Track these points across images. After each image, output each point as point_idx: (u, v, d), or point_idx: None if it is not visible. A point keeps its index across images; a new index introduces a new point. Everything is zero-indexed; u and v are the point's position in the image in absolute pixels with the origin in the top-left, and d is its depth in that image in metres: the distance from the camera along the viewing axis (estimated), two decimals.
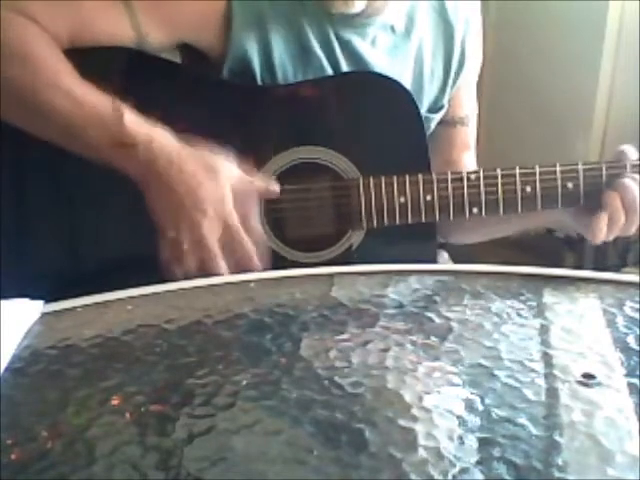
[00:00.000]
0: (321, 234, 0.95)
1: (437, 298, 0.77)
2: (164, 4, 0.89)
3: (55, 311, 0.71)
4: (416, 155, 0.96)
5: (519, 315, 0.72)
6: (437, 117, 1.08)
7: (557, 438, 0.54)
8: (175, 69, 0.94)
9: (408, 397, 0.57)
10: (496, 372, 0.61)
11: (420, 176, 0.92)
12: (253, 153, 0.91)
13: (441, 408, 0.57)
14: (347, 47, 0.96)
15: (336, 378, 0.60)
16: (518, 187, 0.92)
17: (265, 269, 0.85)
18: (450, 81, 1.06)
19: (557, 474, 0.50)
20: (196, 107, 0.92)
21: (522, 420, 0.55)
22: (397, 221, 0.92)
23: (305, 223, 0.94)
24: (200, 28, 0.91)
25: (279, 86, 0.94)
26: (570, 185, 0.92)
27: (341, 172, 0.93)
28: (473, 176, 0.92)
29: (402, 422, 0.54)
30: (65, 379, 0.61)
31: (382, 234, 0.94)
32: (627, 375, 0.62)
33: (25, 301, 0.69)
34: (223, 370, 0.61)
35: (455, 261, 1.13)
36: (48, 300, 0.71)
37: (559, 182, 0.92)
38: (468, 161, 1.11)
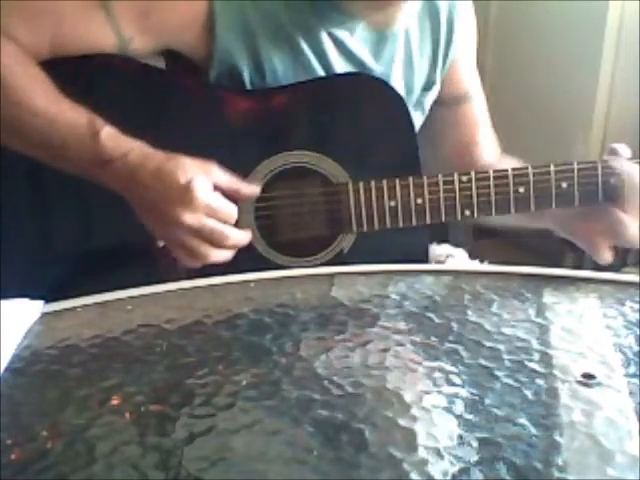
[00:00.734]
0: (312, 239, 0.94)
1: (437, 298, 0.77)
2: (145, 10, 0.88)
3: (55, 311, 0.71)
4: (406, 158, 0.96)
5: (519, 315, 0.72)
6: (431, 95, 1.07)
7: (557, 438, 0.54)
8: (160, 75, 0.94)
9: (408, 397, 0.57)
10: (496, 372, 0.61)
11: (410, 179, 0.91)
12: (242, 158, 0.91)
13: (441, 408, 0.57)
14: (335, 41, 0.96)
15: (336, 378, 0.60)
16: (511, 188, 0.91)
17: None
18: (440, 58, 1.05)
19: (557, 474, 0.50)
20: (183, 113, 0.91)
21: (522, 420, 0.55)
22: (388, 225, 0.92)
23: (295, 228, 0.94)
24: (183, 32, 0.91)
25: (267, 90, 0.93)
26: (564, 185, 0.91)
27: (331, 176, 0.93)
28: (465, 178, 0.91)
29: (402, 422, 0.54)
30: (65, 379, 0.61)
31: (373, 237, 0.94)
32: (627, 375, 0.62)
33: (25, 301, 0.69)
34: (223, 370, 0.61)
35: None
36: (48, 300, 0.71)
37: (553, 182, 0.91)
38: (483, 139, 1.10)
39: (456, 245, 1.23)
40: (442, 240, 1.23)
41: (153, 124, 0.90)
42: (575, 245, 0.98)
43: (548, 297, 0.77)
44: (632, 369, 0.63)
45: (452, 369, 0.62)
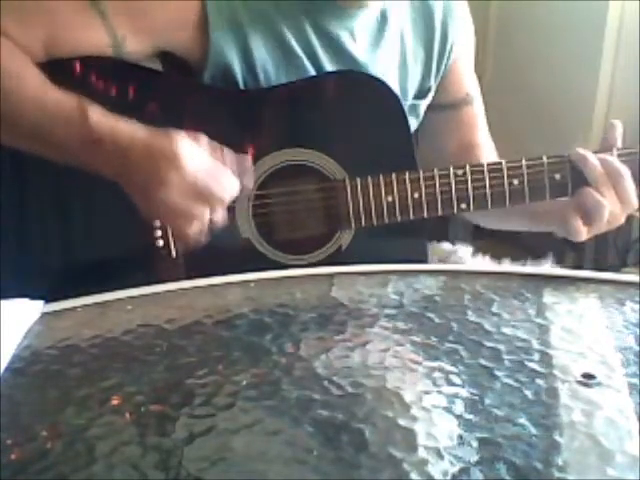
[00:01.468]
0: (310, 236, 0.94)
1: (437, 298, 0.77)
2: (139, 11, 0.88)
3: (55, 311, 0.71)
4: (402, 154, 0.96)
5: (519, 315, 0.72)
6: (425, 102, 1.07)
7: (557, 438, 0.54)
8: (156, 77, 0.94)
9: (408, 397, 0.57)
10: (496, 372, 0.61)
11: (407, 174, 0.92)
12: None
13: (441, 408, 0.57)
14: (330, 42, 0.96)
15: (336, 378, 0.60)
16: (505, 180, 0.92)
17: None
18: (434, 62, 1.05)
19: (557, 474, 0.50)
20: (180, 114, 0.91)
21: (522, 420, 0.55)
22: (386, 220, 0.92)
23: (293, 226, 0.94)
24: (177, 33, 0.90)
25: (262, 89, 0.93)
26: (558, 176, 0.92)
27: (328, 173, 0.93)
28: (460, 171, 0.92)
29: (402, 422, 0.54)
30: (65, 379, 0.61)
31: (371, 233, 0.94)
32: (627, 375, 0.62)
33: (25, 301, 0.69)
34: (223, 370, 0.61)
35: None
36: (48, 300, 0.71)
37: (546, 173, 0.92)
38: (483, 140, 1.11)
39: (455, 244, 1.24)
40: (442, 239, 1.23)
41: (148, 124, 0.90)
42: (575, 245, 0.98)
43: (548, 297, 0.77)
44: (632, 369, 0.63)
45: (452, 369, 0.62)
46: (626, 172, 0.90)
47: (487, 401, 0.57)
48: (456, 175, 0.92)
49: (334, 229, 0.95)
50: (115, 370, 0.62)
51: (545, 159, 0.92)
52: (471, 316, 0.72)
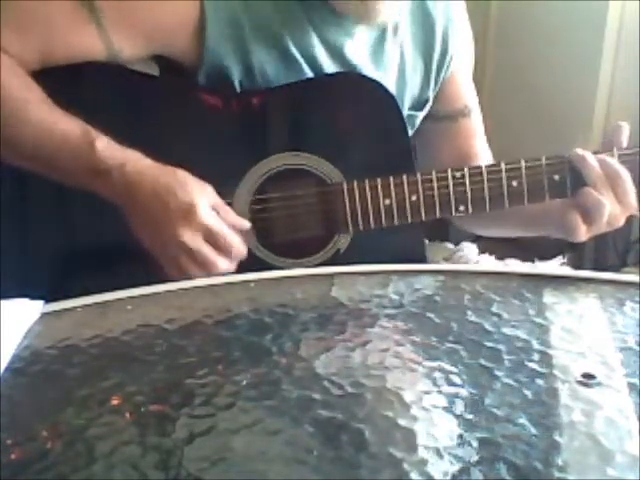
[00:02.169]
0: (308, 240, 0.94)
1: (437, 298, 0.77)
2: (134, 17, 0.88)
3: (55, 311, 0.71)
4: (400, 157, 0.96)
5: (519, 315, 0.72)
6: (422, 114, 1.07)
7: (557, 438, 0.53)
8: (151, 81, 0.94)
9: (408, 397, 0.57)
10: (496, 372, 0.61)
11: (404, 177, 0.91)
12: (236, 161, 0.91)
13: (441, 408, 0.57)
14: (330, 48, 0.96)
15: (336, 378, 0.60)
16: (504, 182, 0.92)
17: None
18: (432, 74, 1.05)
19: (557, 474, 0.50)
20: (175, 118, 0.91)
21: (522, 420, 0.55)
22: (384, 223, 0.92)
23: (292, 230, 0.94)
24: (174, 38, 0.90)
25: (259, 91, 0.93)
26: (557, 177, 0.92)
27: (325, 177, 0.93)
28: (458, 174, 0.92)
29: (402, 422, 0.54)
30: (65, 379, 0.61)
31: (369, 237, 0.94)
32: (627, 375, 0.62)
33: (25, 301, 0.69)
34: (223, 370, 0.61)
35: None
36: (48, 300, 0.71)
37: (545, 174, 0.92)
38: (481, 150, 1.11)
39: (456, 244, 1.24)
40: (443, 239, 1.23)
41: (147, 129, 0.90)
42: (575, 245, 0.98)
43: (548, 297, 0.77)
44: (632, 369, 0.63)
45: (452, 369, 0.62)
46: (625, 174, 0.90)
47: (487, 401, 0.57)
48: (454, 177, 0.92)
49: (332, 233, 0.94)
50: (115, 370, 0.62)
51: (544, 160, 0.92)
52: (471, 316, 0.72)
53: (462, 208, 0.93)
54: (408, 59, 1.03)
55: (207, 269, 0.83)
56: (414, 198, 0.91)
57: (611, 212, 0.89)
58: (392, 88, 1.01)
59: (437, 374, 0.61)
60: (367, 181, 0.91)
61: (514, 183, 0.92)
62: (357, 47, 0.98)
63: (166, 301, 0.74)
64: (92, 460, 0.50)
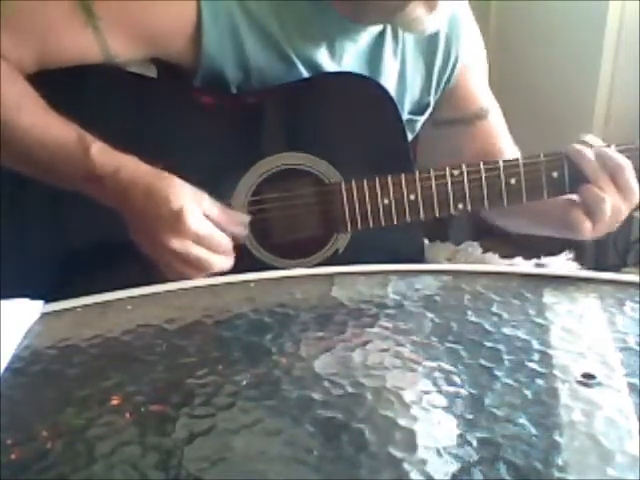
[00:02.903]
0: (306, 240, 0.94)
1: (437, 298, 0.77)
2: (131, 21, 0.88)
3: (55, 311, 0.71)
4: (398, 156, 0.96)
5: (519, 315, 0.72)
6: (422, 119, 1.07)
7: (557, 438, 0.54)
8: (149, 83, 0.94)
9: (408, 397, 0.57)
10: (496, 372, 0.61)
11: (402, 176, 0.91)
12: (234, 162, 0.91)
13: (441, 408, 0.57)
14: (328, 51, 0.95)
15: (336, 378, 0.60)
16: (502, 180, 0.92)
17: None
18: (434, 77, 1.05)
19: (557, 474, 0.50)
20: (173, 119, 0.91)
21: (522, 420, 0.55)
22: (382, 223, 0.92)
23: (290, 230, 0.94)
24: (171, 41, 0.90)
25: (256, 91, 0.93)
26: (555, 174, 0.92)
27: (323, 177, 0.93)
28: (456, 172, 0.91)
29: (402, 422, 0.54)
30: (65, 379, 0.61)
31: (368, 237, 0.94)
32: (627, 375, 0.62)
33: (25, 301, 0.69)
34: (223, 370, 0.61)
35: None
36: (48, 300, 0.71)
37: (543, 172, 0.92)
38: (505, 149, 1.09)
39: (457, 244, 1.23)
40: (443, 240, 1.23)
41: (144, 131, 0.90)
42: (575, 245, 0.98)
43: (548, 297, 0.77)
44: (632, 369, 0.63)
45: (452, 369, 0.62)
46: (626, 162, 0.89)
47: (487, 401, 0.57)
48: (452, 175, 0.91)
49: (331, 232, 0.94)
50: (115, 370, 0.62)
51: (542, 157, 0.92)
52: (471, 316, 0.72)
53: (461, 206, 0.92)
54: (409, 62, 1.02)
55: (203, 270, 0.83)
56: (412, 197, 0.91)
57: (614, 205, 0.89)
58: (391, 92, 1.01)
59: (437, 374, 0.61)
60: (365, 180, 0.91)
61: (512, 181, 0.92)
62: (355, 50, 0.97)
63: (166, 301, 0.74)
64: (92, 460, 0.51)
